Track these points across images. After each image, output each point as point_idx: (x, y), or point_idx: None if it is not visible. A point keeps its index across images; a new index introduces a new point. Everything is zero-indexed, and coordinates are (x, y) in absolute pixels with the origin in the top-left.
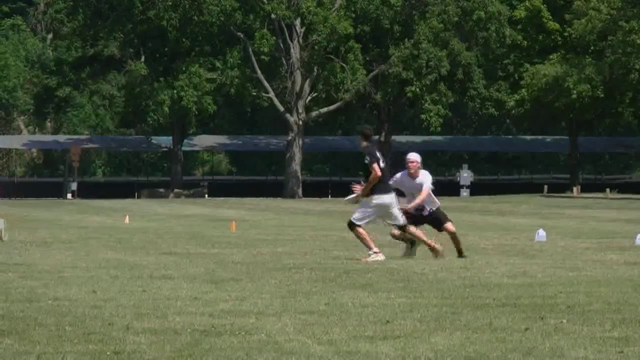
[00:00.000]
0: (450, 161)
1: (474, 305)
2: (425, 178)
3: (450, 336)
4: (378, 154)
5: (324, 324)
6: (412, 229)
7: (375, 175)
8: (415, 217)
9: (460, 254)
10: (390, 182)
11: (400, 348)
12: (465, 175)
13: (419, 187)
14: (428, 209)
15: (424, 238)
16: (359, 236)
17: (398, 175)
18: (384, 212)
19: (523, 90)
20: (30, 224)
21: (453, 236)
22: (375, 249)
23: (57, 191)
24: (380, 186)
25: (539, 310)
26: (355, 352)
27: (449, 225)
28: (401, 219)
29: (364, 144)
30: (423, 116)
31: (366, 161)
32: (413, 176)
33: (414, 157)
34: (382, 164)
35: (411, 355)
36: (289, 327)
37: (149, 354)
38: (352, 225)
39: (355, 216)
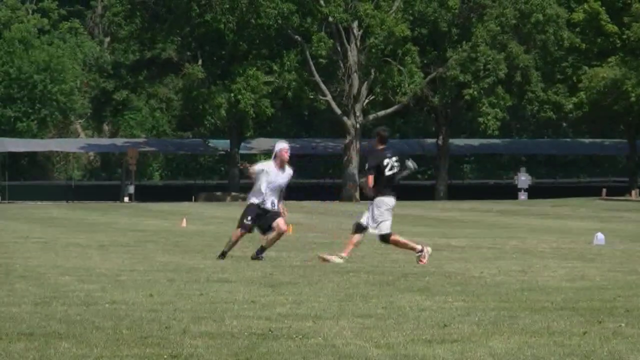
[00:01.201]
0: (508, 164)
1: (531, 309)
2: (290, 171)
3: (508, 340)
4: (386, 161)
5: (381, 327)
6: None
7: (367, 187)
8: (261, 215)
9: (262, 251)
10: (256, 169)
11: (457, 352)
12: (523, 179)
13: (286, 180)
14: (274, 205)
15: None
16: (397, 243)
17: (264, 164)
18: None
19: (581, 93)
20: (87, 227)
21: (279, 236)
22: (419, 247)
23: (114, 194)
24: (385, 190)
25: (597, 314)
26: (412, 355)
27: (281, 222)
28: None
29: (380, 146)
30: (480, 119)
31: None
32: (282, 167)
33: (287, 145)
34: (387, 172)
35: (469, 359)
36: (347, 331)
37: (206, 357)
38: (385, 238)
39: (382, 227)
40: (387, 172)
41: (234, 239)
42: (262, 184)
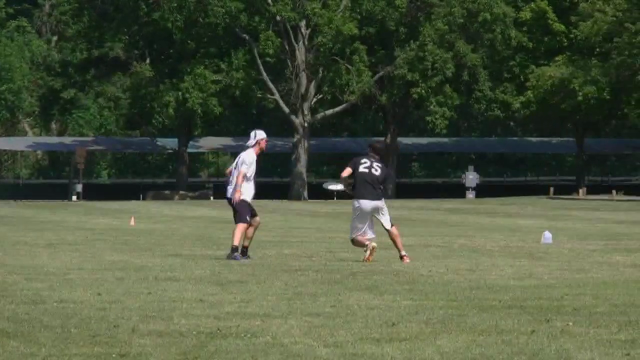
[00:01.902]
0: (456, 163)
1: (480, 307)
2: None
3: (456, 339)
4: (363, 159)
5: (330, 326)
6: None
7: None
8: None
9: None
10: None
11: (406, 350)
12: (471, 177)
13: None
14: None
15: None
16: (357, 244)
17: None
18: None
19: (529, 92)
20: (35, 225)
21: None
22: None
23: (62, 193)
24: (359, 190)
25: (545, 312)
26: (361, 354)
27: (257, 216)
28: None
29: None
30: (428, 118)
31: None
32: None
33: (265, 135)
34: (361, 169)
35: (417, 357)
36: (295, 330)
37: (154, 356)
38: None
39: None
40: (361, 169)
41: (249, 234)
42: (251, 176)
